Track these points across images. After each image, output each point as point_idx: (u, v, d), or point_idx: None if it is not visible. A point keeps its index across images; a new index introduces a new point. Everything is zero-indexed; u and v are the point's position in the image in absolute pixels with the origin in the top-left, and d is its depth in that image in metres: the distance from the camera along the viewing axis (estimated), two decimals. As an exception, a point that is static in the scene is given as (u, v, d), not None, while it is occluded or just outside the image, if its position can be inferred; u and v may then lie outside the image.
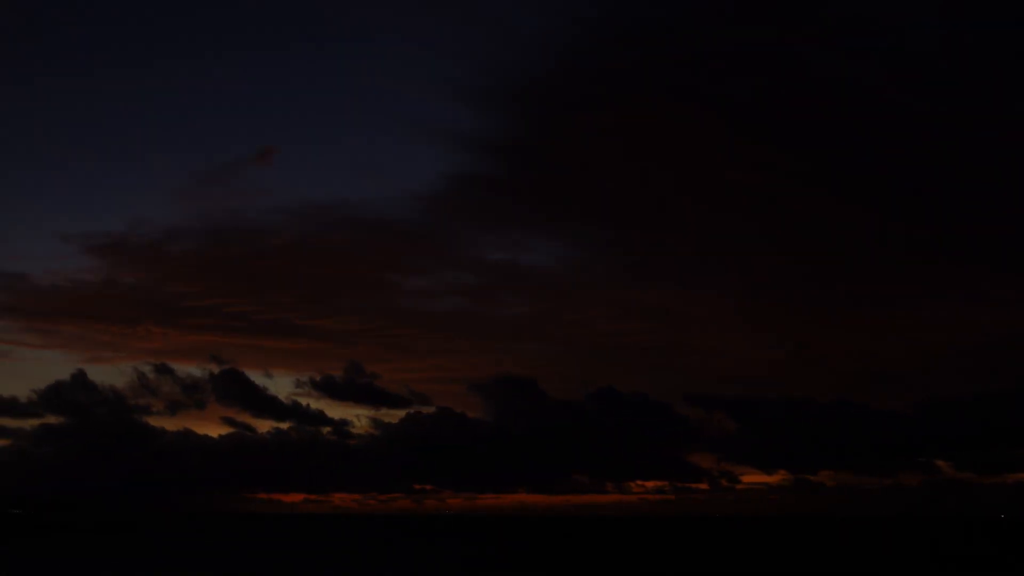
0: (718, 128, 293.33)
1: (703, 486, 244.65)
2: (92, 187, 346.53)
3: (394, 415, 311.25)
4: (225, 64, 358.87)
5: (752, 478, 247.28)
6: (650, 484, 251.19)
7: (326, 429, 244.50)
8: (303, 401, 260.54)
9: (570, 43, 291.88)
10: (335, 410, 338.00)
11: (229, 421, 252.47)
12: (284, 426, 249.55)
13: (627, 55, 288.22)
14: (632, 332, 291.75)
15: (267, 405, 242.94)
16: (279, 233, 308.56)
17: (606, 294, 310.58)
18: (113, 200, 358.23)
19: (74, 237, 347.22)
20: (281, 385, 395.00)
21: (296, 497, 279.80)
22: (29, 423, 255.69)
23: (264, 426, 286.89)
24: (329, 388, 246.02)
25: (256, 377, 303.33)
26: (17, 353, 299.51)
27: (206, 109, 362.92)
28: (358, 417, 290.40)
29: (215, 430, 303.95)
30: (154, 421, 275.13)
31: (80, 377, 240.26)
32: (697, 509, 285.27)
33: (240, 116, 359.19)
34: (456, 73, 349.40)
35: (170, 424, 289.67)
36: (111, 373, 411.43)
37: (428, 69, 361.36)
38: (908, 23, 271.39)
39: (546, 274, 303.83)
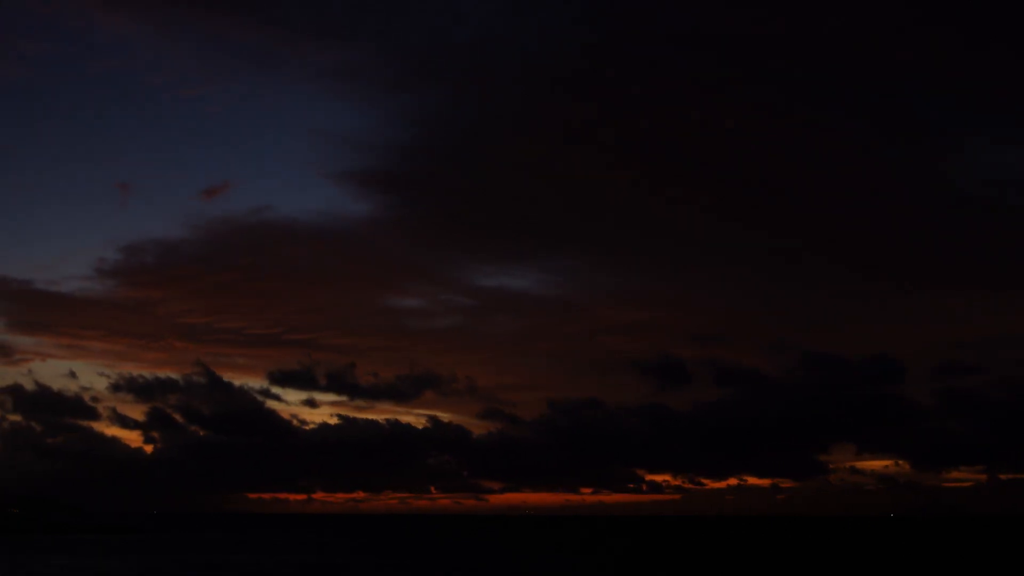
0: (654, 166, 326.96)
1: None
2: (118, 217, 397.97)
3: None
4: (228, 86, 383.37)
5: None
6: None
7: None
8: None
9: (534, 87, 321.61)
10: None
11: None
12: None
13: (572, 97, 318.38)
14: (619, 344, 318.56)
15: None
16: (283, 250, 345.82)
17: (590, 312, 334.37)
18: (137, 229, 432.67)
19: (106, 263, 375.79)
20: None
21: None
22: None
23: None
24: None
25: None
26: (51, 364, 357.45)
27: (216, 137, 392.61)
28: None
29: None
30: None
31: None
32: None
33: (234, 142, 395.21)
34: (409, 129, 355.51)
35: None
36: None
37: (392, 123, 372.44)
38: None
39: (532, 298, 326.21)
